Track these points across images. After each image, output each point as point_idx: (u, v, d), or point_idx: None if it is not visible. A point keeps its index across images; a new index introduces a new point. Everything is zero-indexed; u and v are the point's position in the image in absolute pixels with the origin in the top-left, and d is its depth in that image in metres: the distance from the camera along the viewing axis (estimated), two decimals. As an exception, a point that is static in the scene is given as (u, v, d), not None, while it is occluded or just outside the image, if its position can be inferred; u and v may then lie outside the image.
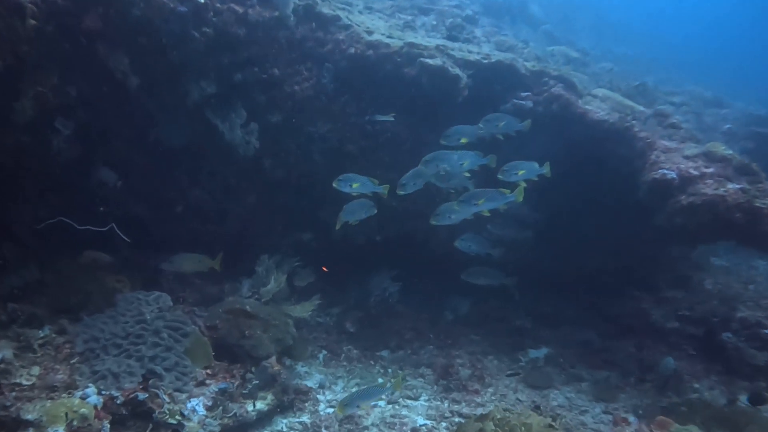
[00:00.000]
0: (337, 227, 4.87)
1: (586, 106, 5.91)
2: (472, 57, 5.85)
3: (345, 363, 5.83)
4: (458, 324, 6.76)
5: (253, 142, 5.33)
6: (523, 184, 5.26)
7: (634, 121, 5.80)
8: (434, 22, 7.20)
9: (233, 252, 6.05)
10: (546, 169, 5.30)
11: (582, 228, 6.81)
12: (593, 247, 6.93)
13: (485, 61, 5.94)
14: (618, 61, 13.38)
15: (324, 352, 5.91)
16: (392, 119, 5.44)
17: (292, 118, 5.50)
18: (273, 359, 4.70)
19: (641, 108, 6.53)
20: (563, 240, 6.87)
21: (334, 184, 4.65)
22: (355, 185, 4.65)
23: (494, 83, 6.19)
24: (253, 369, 4.68)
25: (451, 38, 6.41)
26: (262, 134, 5.48)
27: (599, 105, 6.12)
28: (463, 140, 5.38)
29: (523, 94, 6.08)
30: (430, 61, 5.44)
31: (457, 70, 5.56)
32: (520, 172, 5.26)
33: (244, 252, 6.02)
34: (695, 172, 4.94)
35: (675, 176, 4.89)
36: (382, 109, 5.87)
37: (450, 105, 5.86)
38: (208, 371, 4.57)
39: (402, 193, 4.75)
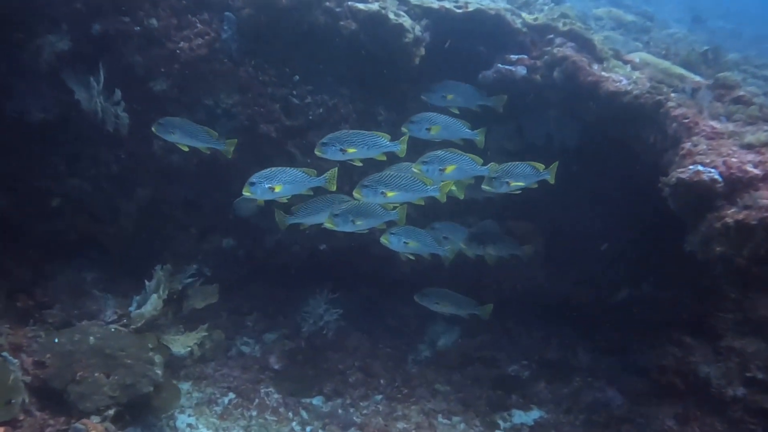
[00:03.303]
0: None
1: (603, 73, 4.07)
2: (435, 4, 4.17)
3: (254, 413, 4.40)
4: (431, 365, 5.11)
5: (122, 116, 4.00)
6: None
7: (673, 94, 3.89)
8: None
9: (133, 259, 4.80)
10: (551, 174, 3.71)
11: (608, 245, 4.98)
12: (624, 269, 5.07)
13: (459, 11, 4.25)
14: (711, 35, 10.92)
15: (231, 395, 4.51)
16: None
17: (181, 85, 4.11)
18: (96, 419, 3.36)
19: (697, 77, 4.58)
20: (580, 259, 5.06)
21: (153, 128, 3.57)
22: (179, 133, 3.47)
23: (476, 42, 4.50)
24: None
25: (425, -17, 4.74)
26: (144, 107, 4.15)
27: (627, 72, 4.25)
28: (434, 130, 3.83)
29: (514, 57, 4.34)
30: (360, 5, 3.85)
31: (404, 20, 3.93)
32: (512, 184, 3.71)
33: (147, 260, 4.72)
34: (756, 171, 3.02)
35: (717, 176, 3.00)
36: (313, 77, 4.37)
37: (403, 70, 4.25)
38: (3, 429, 3.31)
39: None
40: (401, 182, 3.42)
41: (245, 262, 5.00)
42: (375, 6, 3.85)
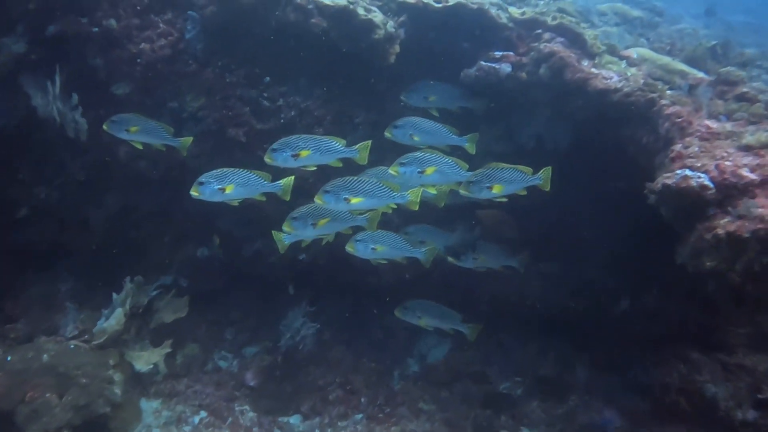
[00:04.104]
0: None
1: (592, 70, 3.76)
2: (412, -2, 3.91)
3: (225, 433, 4.18)
4: (418, 380, 4.83)
5: (80, 122, 3.82)
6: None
7: (669, 92, 3.57)
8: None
9: (109, 269, 4.63)
10: (542, 178, 3.43)
11: (607, 252, 4.66)
12: (624, 278, 4.73)
13: (438, 5, 3.97)
14: (731, 32, 10.43)
15: (203, 413, 4.30)
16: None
17: (144, 88, 3.91)
18: (40, 443, 3.17)
19: (700, 74, 4.22)
20: (577, 268, 4.74)
21: (104, 126, 3.46)
22: (133, 129, 3.34)
23: (459, 39, 4.21)
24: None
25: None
26: (107, 111, 3.94)
27: (621, 69, 3.94)
28: (419, 135, 3.60)
29: (498, 54, 4.04)
30: (327, 0, 3.60)
31: (374, 15, 3.67)
32: (495, 188, 3.41)
33: (122, 270, 4.54)
34: (752, 175, 2.68)
35: (707, 181, 2.67)
36: (285, 77, 4.15)
37: (379, 69, 4.00)
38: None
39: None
40: (366, 187, 3.17)
41: (223, 272, 4.80)
42: (343, 1, 3.60)
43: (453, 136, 3.74)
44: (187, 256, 4.67)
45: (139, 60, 3.84)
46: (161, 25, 3.89)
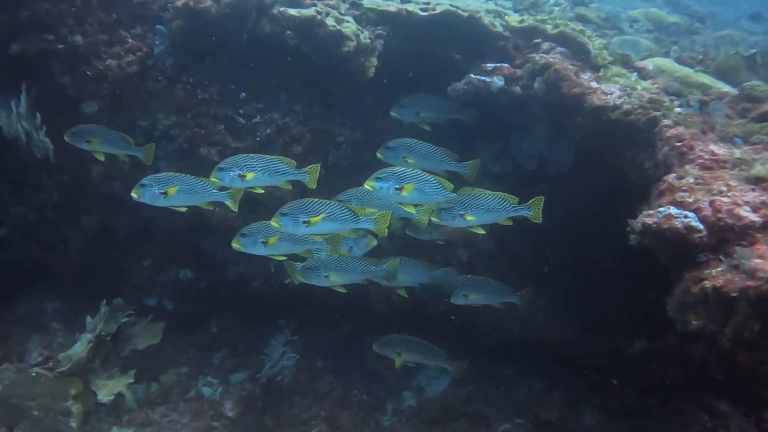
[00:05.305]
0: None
1: (592, 84, 3.32)
2: (392, 7, 3.58)
3: (194, 469, 3.96)
4: (411, 417, 4.48)
5: (45, 141, 3.70)
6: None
7: (677, 109, 3.10)
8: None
9: (94, 290, 4.52)
10: (533, 211, 3.03)
11: (619, 284, 4.18)
12: (642, 315, 4.23)
13: (424, 14, 3.64)
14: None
15: (175, 447, 4.10)
16: None
17: (113, 106, 3.76)
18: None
19: (727, 87, 3.71)
20: (589, 301, 4.28)
21: (66, 137, 3.40)
22: (95, 141, 3.34)
23: (451, 50, 3.87)
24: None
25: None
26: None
27: (630, 82, 3.49)
28: (413, 158, 3.34)
29: (490, 66, 3.67)
30: (292, 11, 3.33)
31: (345, 27, 3.37)
32: (468, 217, 3.04)
33: (108, 292, 4.42)
34: (753, 216, 2.20)
35: (696, 222, 2.21)
36: (263, 93, 3.91)
37: (360, 83, 3.71)
38: None
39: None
40: (327, 210, 2.89)
41: (207, 294, 4.60)
42: (310, 11, 3.32)
43: (451, 161, 3.42)
44: (170, 279, 4.49)
45: (106, 77, 3.69)
46: (129, 40, 3.73)
